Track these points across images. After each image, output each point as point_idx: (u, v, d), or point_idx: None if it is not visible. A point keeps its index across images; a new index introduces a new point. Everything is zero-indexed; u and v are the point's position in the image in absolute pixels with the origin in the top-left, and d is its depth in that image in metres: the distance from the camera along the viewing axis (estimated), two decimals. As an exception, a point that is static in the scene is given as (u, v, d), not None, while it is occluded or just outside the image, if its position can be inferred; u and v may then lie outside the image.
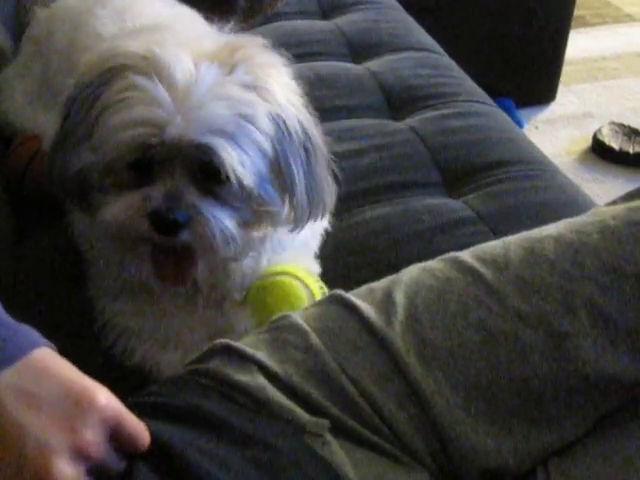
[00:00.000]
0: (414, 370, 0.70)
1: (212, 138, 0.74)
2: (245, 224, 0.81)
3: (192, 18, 1.10)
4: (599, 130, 2.26)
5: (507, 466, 0.69)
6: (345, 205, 1.08)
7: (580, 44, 2.75)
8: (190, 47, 0.78)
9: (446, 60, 1.52)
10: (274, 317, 0.79)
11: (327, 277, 0.95)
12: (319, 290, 0.89)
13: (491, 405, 0.69)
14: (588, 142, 2.28)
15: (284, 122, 0.80)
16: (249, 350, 0.74)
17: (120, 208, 0.77)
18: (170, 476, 0.61)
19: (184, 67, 0.75)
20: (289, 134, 0.80)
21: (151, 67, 0.75)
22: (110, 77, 0.77)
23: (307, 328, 0.75)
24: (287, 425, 0.68)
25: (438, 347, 0.71)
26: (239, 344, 0.75)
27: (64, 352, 0.87)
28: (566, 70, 2.44)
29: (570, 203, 1.10)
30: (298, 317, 0.77)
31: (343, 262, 0.99)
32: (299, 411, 0.69)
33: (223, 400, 0.70)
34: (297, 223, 0.85)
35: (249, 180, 0.76)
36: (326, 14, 1.73)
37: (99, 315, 0.90)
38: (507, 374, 0.70)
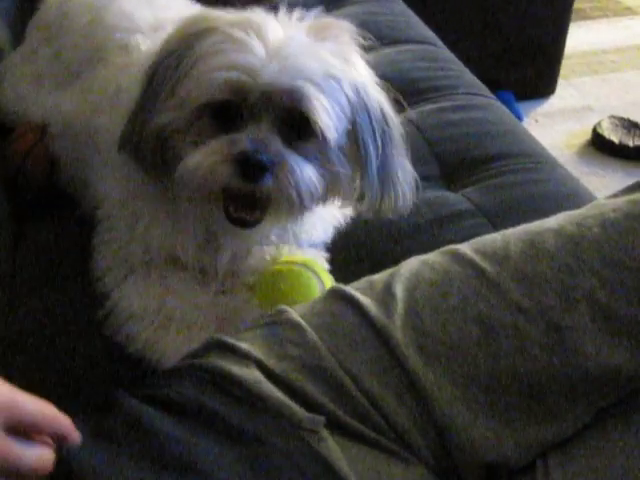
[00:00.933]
0: (414, 363, 0.70)
1: (303, 84, 0.76)
2: (320, 183, 0.81)
3: None
4: (599, 123, 2.26)
5: (506, 459, 0.69)
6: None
7: (580, 37, 2.74)
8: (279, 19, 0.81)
9: (446, 53, 1.52)
10: (272, 310, 0.79)
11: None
12: (330, 282, 0.88)
13: (491, 398, 0.69)
14: (588, 135, 2.27)
15: (366, 96, 0.82)
16: (246, 346, 0.73)
17: (205, 154, 0.76)
18: (166, 469, 0.61)
19: (276, 27, 0.79)
20: (368, 109, 0.82)
21: (244, 24, 0.77)
22: (201, 35, 0.78)
23: (304, 323, 0.74)
24: (283, 421, 0.68)
25: (438, 340, 0.71)
26: (234, 339, 0.75)
27: (62, 344, 0.88)
28: (566, 63, 2.43)
29: (569, 196, 1.09)
30: (295, 312, 0.77)
31: (342, 255, 0.99)
32: (295, 407, 0.69)
33: (219, 394, 0.70)
34: (370, 203, 0.85)
35: (332, 133, 0.78)
36: (326, 7, 1.72)
37: (105, 300, 0.88)
38: (507, 367, 0.70)
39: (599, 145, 2.22)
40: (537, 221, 0.80)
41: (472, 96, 1.35)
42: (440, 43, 1.56)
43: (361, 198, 0.86)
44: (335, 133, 0.78)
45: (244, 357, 0.72)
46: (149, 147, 0.80)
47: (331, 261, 0.96)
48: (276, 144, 0.77)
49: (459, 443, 0.69)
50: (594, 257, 0.71)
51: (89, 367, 0.86)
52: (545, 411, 0.70)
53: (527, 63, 2.34)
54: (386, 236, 1.01)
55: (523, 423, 0.69)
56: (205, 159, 0.76)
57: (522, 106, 2.33)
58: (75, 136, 1.00)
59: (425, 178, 1.14)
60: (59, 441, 0.57)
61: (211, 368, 0.72)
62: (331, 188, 0.84)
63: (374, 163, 0.82)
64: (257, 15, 0.80)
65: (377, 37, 1.52)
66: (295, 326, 0.75)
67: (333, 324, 0.74)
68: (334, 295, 0.78)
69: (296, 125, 0.78)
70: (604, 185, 2.02)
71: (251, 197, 0.78)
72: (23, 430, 0.54)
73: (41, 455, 0.55)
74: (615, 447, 0.69)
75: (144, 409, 0.67)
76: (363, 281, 0.81)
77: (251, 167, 0.75)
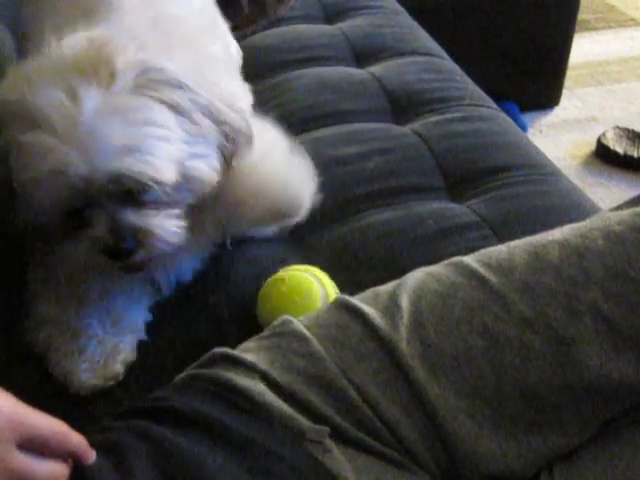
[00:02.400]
0: (418, 375, 0.70)
1: (111, 162, 0.74)
2: (193, 205, 0.84)
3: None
4: (603, 134, 2.26)
5: (511, 471, 0.69)
6: (349, 209, 1.09)
7: (584, 48, 2.75)
8: (58, 66, 0.77)
9: (450, 64, 1.52)
10: (276, 322, 0.79)
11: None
12: (334, 294, 0.89)
13: (496, 410, 0.69)
14: (592, 146, 2.27)
15: (173, 84, 0.80)
16: (249, 357, 0.74)
17: (75, 251, 0.80)
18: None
19: (59, 104, 0.74)
20: (183, 87, 0.80)
21: (28, 117, 0.75)
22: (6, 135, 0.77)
23: (309, 334, 0.75)
24: (287, 432, 0.68)
25: (443, 352, 0.71)
26: (239, 351, 0.75)
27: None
28: (570, 74, 2.44)
29: (574, 207, 1.09)
30: (300, 323, 0.77)
31: (347, 266, 0.99)
32: (299, 418, 0.69)
33: (224, 405, 0.70)
34: (232, 153, 0.86)
35: (168, 176, 0.78)
36: (330, 19, 1.73)
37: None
38: (512, 379, 0.69)
39: (604, 156, 2.22)
40: (542, 233, 0.80)
41: (477, 107, 1.35)
42: (445, 55, 1.56)
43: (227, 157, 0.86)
44: (171, 172, 0.78)
45: (249, 368, 0.72)
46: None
47: (336, 272, 0.96)
48: (127, 218, 0.78)
49: (464, 454, 0.69)
50: (598, 269, 0.71)
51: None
52: (550, 423, 0.70)
53: (531, 74, 2.34)
54: (391, 248, 1.01)
55: (528, 435, 0.69)
56: (76, 254, 0.80)
57: (526, 117, 2.34)
58: None
59: (430, 189, 1.15)
60: (73, 460, 0.57)
61: (216, 379, 0.72)
62: (200, 201, 0.85)
63: (207, 121, 0.82)
64: (38, 91, 0.76)
65: (382, 49, 1.55)
66: (300, 337, 0.75)
67: (338, 335, 0.75)
68: (339, 306, 0.78)
69: (133, 189, 0.78)
70: (609, 196, 2.02)
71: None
72: (35, 448, 0.54)
73: (54, 470, 0.55)
74: (620, 459, 0.69)
75: (149, 422, 0.67)
76: (368, 292, 0.81)
77: (119, 253, 0.79)
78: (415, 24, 1.69)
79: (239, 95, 0.91)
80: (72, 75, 0.76)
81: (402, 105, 1.35)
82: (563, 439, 0.70)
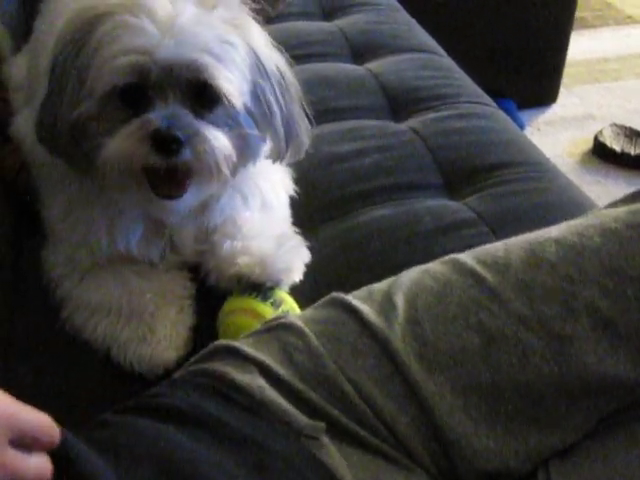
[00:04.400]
0: (414, 372, 0.70)
1: (200, 55, 0.78)
2: (234, 148, 0.84)
3: None
4: (600, 132, 2.26)
5: (508, 468, 0.69)
6: (346, 206, 1.09)
7: (581, 46, 2.75)
8: None
9: (447, 61, 1.52)
10: (272, 317, 0.80)
11: (327, 278, 0.95)
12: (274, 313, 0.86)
13: (492, 407, 0.69)
14: (589, 144, 2.28)
15: (262, 57, 0.85)
16: (251, 351, 0.74)
17: (121, 138, 0.79)
18: (168, 475, 0.61)
19: (165, 4, 0.80)
20: (266, 70, 0.85)
21: (133, 7, 0.79)
22: (95, 22, 0.80)
23: (307, 330, 0.75)
24: (284, 427, 0.68)
25: (439, 349, 0.71)
26: (240, 344, 0.75)
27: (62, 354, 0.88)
28: (567, 72, 2.44)
29: (571, 205, 1.09)
30: (297, 319, 0.77)
31: (343, 263, 0.99)
32: (297, 414, 0.69)
33: (223, 400, 0.70)
34: (278, 155, 0.91)
35: (237, 98, 0.81)
36: (328, 15, 1.73)
37: (66, 303, 0.90)
38: (508, 377, 0.70)
39: (601, 153, 2.22)
40: (538, 230, 0.80)
41: (474, 105, 1.35)
42: (442, 52, 1.56)
43: (272, 154, 0.91)
44: (239, 97, 0.81)
45: (249, 362, 0.73)
46: (65, 140, 0.83)
47: (332, 270, 0.96)
48: (186, 117, 0.79)
49: (460, 452, 0.69)
50: (595, 266, 0.72)
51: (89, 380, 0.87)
52: (546, 420, 0.70)
53: (529, 71, 2.34)
54: (388, 245, 1.01)
55: (524, 432, 0.69)
56: (121, 144, 0.79)
57: (524, 114, 2.34)
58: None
59: (427, 186, 1.15)
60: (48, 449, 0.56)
61: (214, 374, 0.72)
62: (245, 150, 0.86)
63: (279, 120, 0.87)
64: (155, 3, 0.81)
65: (380, 46, 1.55)
66: (299, 332, 0.75)
67: (335, 332, 0.75)
68: (334, 303, 0.78)
69: (202, 96, 0.81)
70: (606, 193, 2.02)
71: (173, 171, 0.81)
72: (26, 444, 0.53)
73: (42, 465, 0.55)
74: (616, 456, 0.69)
75: (148, 419, 0.67)
76: (363, 290, 0.81)
77: (167, 143, 0.78)
78: (413, 21, 1.68)
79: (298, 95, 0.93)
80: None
81: (400, 102, 1.35)
82: (560, 436, 0.70)
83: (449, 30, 1.99)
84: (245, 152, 0.87)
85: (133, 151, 0.78)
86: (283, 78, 0.88)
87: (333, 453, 0.68)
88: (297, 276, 0.91)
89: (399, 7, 1.75)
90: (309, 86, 1.37)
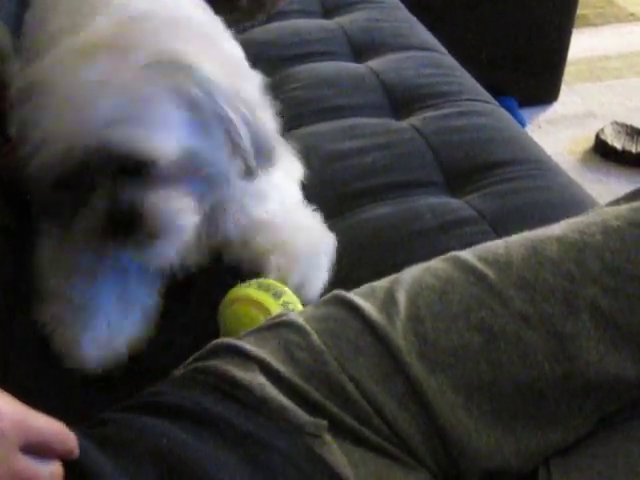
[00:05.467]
0: (415, 370, 0.70)
1: (106, 132, 0.73)
2: (200, 194, 0.82)
3: None
4: (602, 130, 2.26)
5: (509, 466, 0.69)
6: (347, 204, 1.09)
7: (583, 43, 2.75)
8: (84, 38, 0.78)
9: (448, 59, 1.52)
10: (274, 315, 0.79)
11: (329, 276, 0.95)
12: (278, 308, 0.86)
13: (493, 406, 0.69)
14: (591, 142, 2.27)
15: (206, 88, 0.79)
16: (252, 348, 0.74)
17: (79, 228, 0.78)
18: (170, 473, 0.61)
19: (69, 80, 0.75)
20: (214, 100, 0.79)
21: (44, 86, 0.76)
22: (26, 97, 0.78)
23: (308, 328, 0.75)
24: (286, 425, 0.68)
25: (440, 347, 0.71)
26: (242, 342, 0.75)
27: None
28: (569, 70, 2.43)
29: (572, 203, 1.09)
30: (298, 316, 0.77)
31: (345, 261, 0.99)
32: (298, 411, 0.69)
33: (224, 398, 0.70)
34: (250, 171, 0.85)
35: (168, 155, 0.76)
36: (328, 13, 1.73)
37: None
38: (509, 375, 0.69)
39: (602, 151, 2.22)
40: (540, 228, 0.80)
41: (475, 102, 1.35)
42: (443, 50, 1.56)
43: (244, 173, 0.86)
44: (173, 151, 0.76)
45: (250, 360, 0.73)
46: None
47: (333, 268, 0.96)
48: (131, 193, 0.76)
49: (461, 450, 0.69)
50: (596, 264, 0.71)
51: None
52: (547, 418, 0.70)
53: (530, 69, 2.34)
54: (389, 243, 1.01)
55: (525, 430, 0.69)
56: (80, 236, 0.78)
57: (525, 112, 2.33)
58: None
59: (428, 184, 1.15)
60: (65, 457, 0.56)
61: (215, 372, 0.72)
62: (212, 184, 0.83)
63: (246, 143, 0.82)
64: (54, 69, 0.77)
65: (380, 44, 1.55)
66: (300, 330, 0.75)
67: (336, 329, 0.75)
68: (335, 301, 0.78)
69: (139, 161, 0.76)
70: (607, 191, 2.02)
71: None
72: (38, 451, 0.53)
73: (55, 472, 0.55)
74: (618, 455, 0.69)
75: (149, 417, 0.67)
76: (365, 287, 0.81)
77: (123, 225, 0.77)
78: (413, 19, 1.68)
79: (261, 104, 0.89)
80: (90, 53, 0.76)
81: (400, 100, 1.35)
82: (561, 434, 0.70)
83: (450, 28, 1.99)
84: (213, 186, 0.84)
85: (95, 243, 0.78)
86: (244, 100, 0.83)
87: (334, 451, 0.68)
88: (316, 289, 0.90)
89: (400, 5, 1.75)
90: (309, 84, 1.37)
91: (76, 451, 0.57)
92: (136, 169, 0.76)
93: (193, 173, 0.80)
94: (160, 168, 0.77)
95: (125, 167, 0.76)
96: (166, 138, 0.76)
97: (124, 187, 0.77)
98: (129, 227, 0.77)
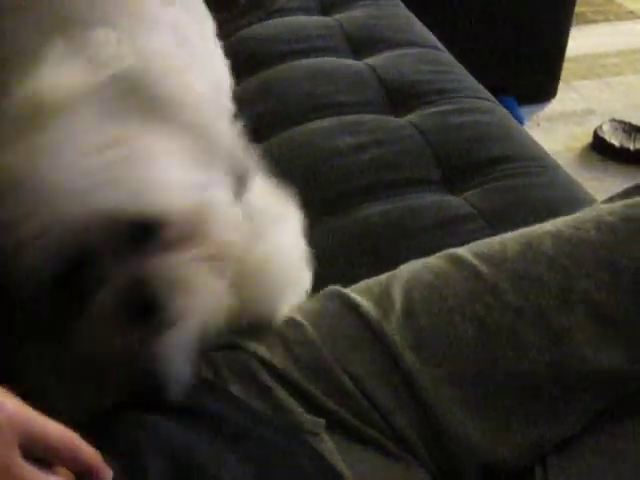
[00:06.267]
0: (411, 365, 0.70)
1: (96, 200, 0.56)
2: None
3: None
4: (600, 127, 2.26)
5: (504, 461, 0.70)
6: (345, 201, 1.09)
7: (581, 41, 2.74)
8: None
9: (447, 56, 1.52)
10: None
11: (326, 273, 0.94)
12: None
13: (488, 400, 0.69)
14: (589, 139, 2.27)
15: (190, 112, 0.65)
16: (250, 345, 0.74)
17: (86, 332, 0.59)
18: (169, 470, 0.61)
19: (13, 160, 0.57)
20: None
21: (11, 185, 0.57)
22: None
23: (306, 324, 0.75)
24: (285, 421, 0.68)
25: (435, 342, 0.71)
26: (240, 339, 0.75)
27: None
28: (567, 67, 2.43)
29: (571, 200, 1.09)
30: (296, 313, 0.77)
31: (342, 258, 0.99)
32: (297, 408, 0.69)
33: (223, 394, 0.70)
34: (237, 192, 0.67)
35: (181, 202, 0.60)
36: (326, 10, 1.72)
37: None
38: (504, 369, 0.70)
39: (600, 148, 2.22)
40: (535, 225, 0.80)
41: (474, 99, 1.35)
42: (442, 47, 1.56)
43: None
44: (181, 201, 0.60)
45: (248, 355, 0.73)
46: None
47: (331, 265, 0.96)
48: (146, 264, 0.59)
49: (456, 444, 0.69)
50: (590, 259, 0.72)
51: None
52: (542, 413, 0.70)
53: (528, 67, 2.34)
54: (387, 240, 1.01)
55: (520, 425, 0.70)
56: (91, 338, 0.59)
57: (523, 110, 2.33)
58: None
59: (426, 181, 1.15)
60: (84, 475, 0.52)
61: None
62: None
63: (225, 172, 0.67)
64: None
65: (379, 40, 1.55)
66: (297, 325, 0.75)
67: (332, 324, 0.75)
68: (332, 296, 0.78)
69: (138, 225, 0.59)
70: (605, 189, 2.01)
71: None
72: (42, 456, 0.50)
73: None
74: (613, 449, 0.70)
75: (149, 415, 0.67)
76: (361, 284, 0.81)
77: (149, 310, 0.58)
78: (412, 15, 1.68)
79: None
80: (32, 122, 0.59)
81: (399, 97, 1.35)
82: (556, 429, 0.70)
83: (449, 25, 1.99)
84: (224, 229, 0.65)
85: (109, 337, 0.59)
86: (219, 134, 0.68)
87: (332, 448, 0.68)
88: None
89: (398, 2, 1.75)
90: (307, 81, 1.37)
91: (101, 469, 0.52)
92: (145, 236, 0.60)
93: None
94: (175, 227, 0.60)
95: (132, 236, 0.59)
96: (171, 188, 0.60)
97: (137, 262, 0.59)
98: (151, 310, 0.58)
